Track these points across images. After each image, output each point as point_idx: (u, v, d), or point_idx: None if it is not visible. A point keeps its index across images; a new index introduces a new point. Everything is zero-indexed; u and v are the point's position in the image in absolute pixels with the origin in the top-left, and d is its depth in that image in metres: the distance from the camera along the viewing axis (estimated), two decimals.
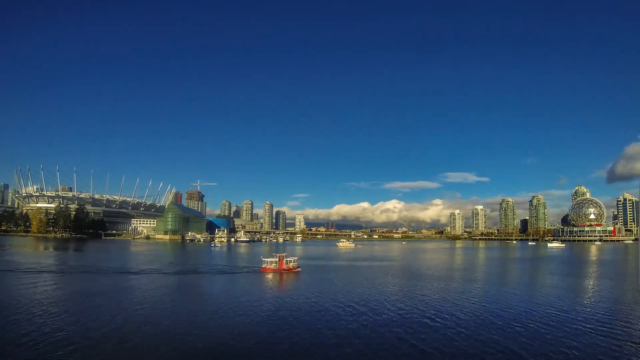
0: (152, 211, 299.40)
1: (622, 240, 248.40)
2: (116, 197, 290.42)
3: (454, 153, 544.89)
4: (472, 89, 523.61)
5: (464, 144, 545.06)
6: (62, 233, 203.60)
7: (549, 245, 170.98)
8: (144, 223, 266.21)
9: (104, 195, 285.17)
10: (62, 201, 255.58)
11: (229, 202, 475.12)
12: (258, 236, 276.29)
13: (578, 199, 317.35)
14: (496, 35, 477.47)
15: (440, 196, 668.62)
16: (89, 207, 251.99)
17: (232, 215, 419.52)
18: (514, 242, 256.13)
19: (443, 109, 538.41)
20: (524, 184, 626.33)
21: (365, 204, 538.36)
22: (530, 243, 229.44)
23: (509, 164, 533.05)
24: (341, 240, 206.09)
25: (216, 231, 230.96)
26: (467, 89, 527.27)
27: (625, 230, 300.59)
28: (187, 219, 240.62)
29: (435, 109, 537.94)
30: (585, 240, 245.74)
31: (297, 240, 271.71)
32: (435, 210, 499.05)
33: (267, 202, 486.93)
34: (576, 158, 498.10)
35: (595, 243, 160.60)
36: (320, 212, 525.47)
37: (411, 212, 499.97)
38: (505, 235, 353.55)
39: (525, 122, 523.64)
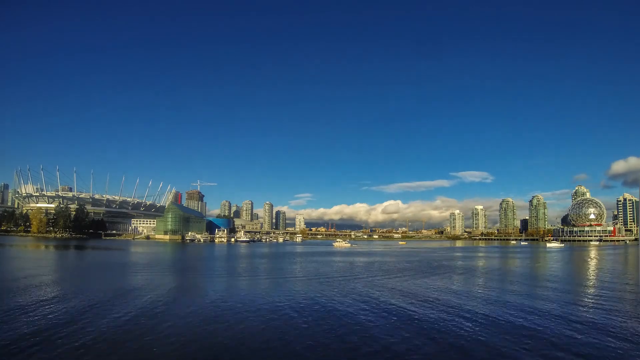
0: (152, 211, 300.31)
1: (622, 240, 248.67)
2: (116, 197, 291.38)
3: (455, 153, 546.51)
4: (482, 85, 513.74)
5: (474, 143, 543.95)
6: (62, 233, 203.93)
7: (548, 245, 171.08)
8: (144, 223, 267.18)
9: (104, 196, 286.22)
10: (62, 201, 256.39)
11: (229, 202, 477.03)
12: (258, 236, 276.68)
13: (578, 199, 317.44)
14: (507, 29, 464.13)
15: (443, 196, 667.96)
16: (89, 207, 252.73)
17: (232, 215, 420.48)
18: (513, 242, 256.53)
19: (448, 108, 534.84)
20: (537, 184, 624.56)
21: (366, 204, 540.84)
22: (522, 243, 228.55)
23: (520, 164, 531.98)
24: (337, 240, 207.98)
25: (216, 231, 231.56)
26: (475, 85, 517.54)
27: (625, 230, 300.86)
28: (187, 219, 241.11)
29: (439, 107, 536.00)
30: (585, 240, 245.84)
31: (297, 240, 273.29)
32: (436, 211, 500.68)
33: (267, 202, 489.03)
34: (590, 158, 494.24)
35: (592, 243, 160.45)
36: (321, 212, 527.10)
37: (412, 212, 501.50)
38: (505, 235, 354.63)
39: (537, 121, 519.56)
